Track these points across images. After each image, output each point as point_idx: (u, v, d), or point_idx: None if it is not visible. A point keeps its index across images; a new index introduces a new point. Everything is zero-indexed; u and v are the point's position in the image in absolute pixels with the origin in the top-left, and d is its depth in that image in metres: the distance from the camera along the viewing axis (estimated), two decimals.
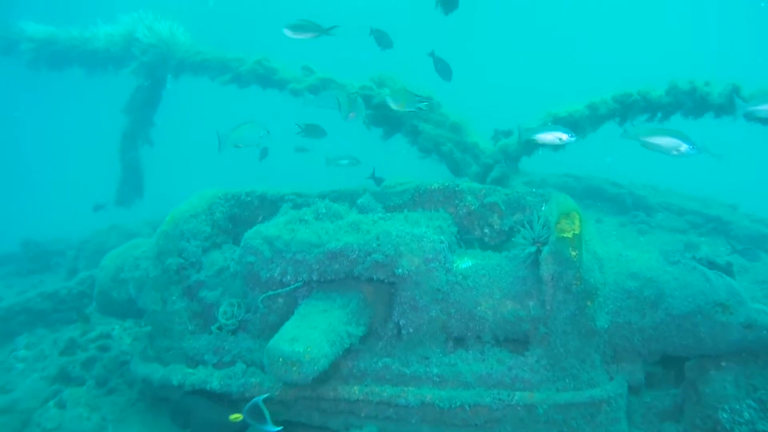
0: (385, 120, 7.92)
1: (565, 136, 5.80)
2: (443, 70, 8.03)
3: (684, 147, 5.17)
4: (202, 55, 10.56)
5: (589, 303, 3.94)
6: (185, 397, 4.61)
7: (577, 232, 3.90)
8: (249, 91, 10.90)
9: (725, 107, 6.42)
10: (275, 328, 4.15)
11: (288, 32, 6.51)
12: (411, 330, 4.26)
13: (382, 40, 8.03)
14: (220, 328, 4.76)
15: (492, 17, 47.61)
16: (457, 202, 4.89)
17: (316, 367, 3.64)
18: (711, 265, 4.37)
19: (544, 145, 6.24)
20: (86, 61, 11.60)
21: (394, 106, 5.91)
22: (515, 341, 4.34)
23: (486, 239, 4.92)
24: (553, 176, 10.85)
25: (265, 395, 4.14)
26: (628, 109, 6.54)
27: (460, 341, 4.44)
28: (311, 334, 3.80)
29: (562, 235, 3.91)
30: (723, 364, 4.25)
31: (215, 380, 4.53)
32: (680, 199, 10.28)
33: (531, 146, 7.01)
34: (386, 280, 4.20)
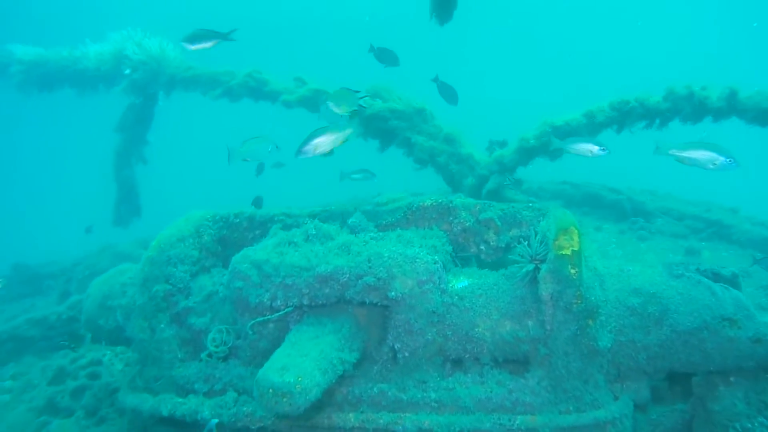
0: (378, 132, 7.82)
1: (596, 148, 5.68)
2: (448, 94, 7.92)
3: (720, 160, 5.02)
4: (193, 70, 10.54)
5: (590, 322, 3.78)
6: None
7: (576, 248, 3.75)
8: (242, 108, 10.81)
9: (724, 111, 6.33)
10: (266, 354, 4.01)
11: (186, 45, 6.36)
12: (407, 354, 4.10)
13: (386, 57, 7.92)
14: (209, 356, 4.60)
15: (487, 24, 47.66)
16: (451, 218, 4.73)
17: (307, 398, 3.48)
18: (716, 276, 4.23)
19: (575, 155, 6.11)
20: (77, 81, 11.55)
21: (335, 110, 5.63)
22: (515, 362, 4.18)
23: (482, 256, 4.76)
24: (551, 184, 10.75)
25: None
26: (626, 116, 6.45)
27: (458, 363, 4.29)
28: (302, 363, 3.64)
29: (561, 252, 3.75)
30: (732, 379, 4.11)
31: (206, 410, 4.36)
32: (679, 204, 10.17)
33: (530, 156, 6.92)
34: (379, 304, 4.05)
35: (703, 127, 6.69)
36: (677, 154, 5.22)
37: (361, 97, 5.68)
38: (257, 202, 9.38)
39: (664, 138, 5.83)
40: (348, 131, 5.49)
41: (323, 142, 5.33)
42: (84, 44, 11.29)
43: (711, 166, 5.06)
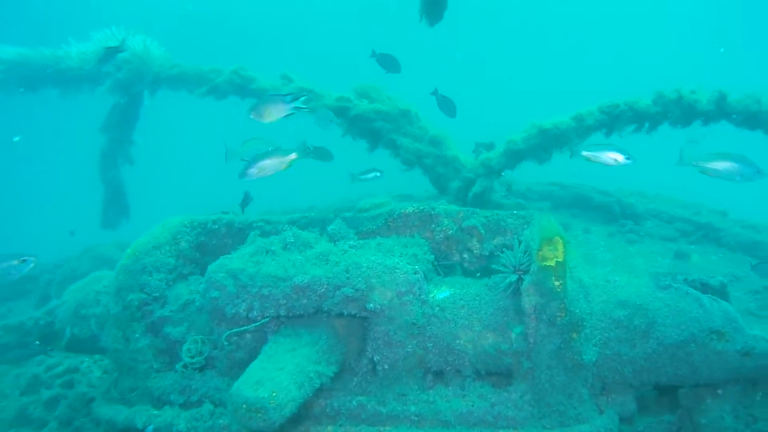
0: (365, 132, 7.70)
1: (621, 157, 5.52)
2: (447, 107, 7.81)
3: (746, 171, 4.90)
4: (179, 68, 10.39)
5: (574, 336, 3.67)
6: None
7: (560, 259, 3.63)
8: (234, 107, 10.65)
9: (713, 114, 6.26)
10: (243, 365, 3.91)
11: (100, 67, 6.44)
12: (386, 366, 3.98)
13: (388, 63, 7.80)
14: (185, 367, 4.48)
15: (479, 23, 47.59)
16: (433, 226, 4.61)
17: (282, 413, 3.38)
18: (704, 287, 4.12)
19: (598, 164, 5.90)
20: (60, 81, 11.28)
21: (260, 118, 5.50)
22: (498, 374, 4.07)
23: (465, 264, 4.65)
24: (539, 185, 10.66)
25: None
26: (616, 119, 6.37)
27: (439, 375, 4.18)
28: (277, 377, 3.53)
29: (545, 263, 3.64)
30: (720, 392, 4.01)
31: (182, 422, 4.25)
32: (669, 206, 10.10)
33: (517, 159, 6.82)
34: (358, 315, 3.93)
35: (702, 131, 6.61)
36: (701, 165, 5.10)
37: (294, 99, 5.57)
38: (246, 199, 9.24)
39: (687, 148, 5.67)
40: (293, 156, 5.42)
41: (267, 166, 5.22)
42: (67, 43, 11.06)
43: (737, 178, 4.95)
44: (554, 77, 53.15)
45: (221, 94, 9.84)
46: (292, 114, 5.62)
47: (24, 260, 5.48)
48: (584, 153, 5.79)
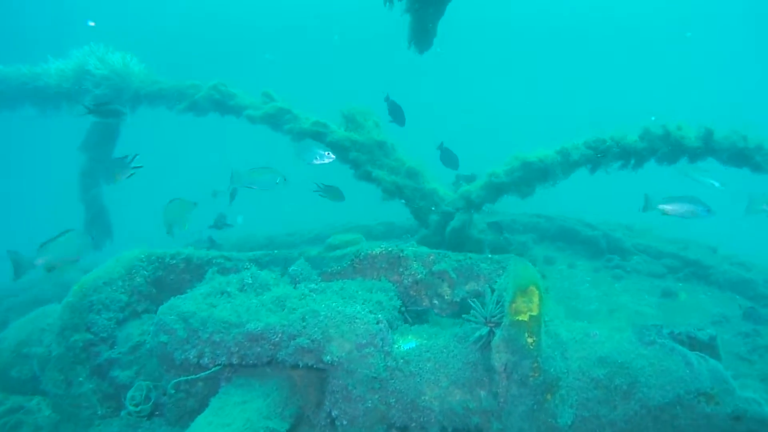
0: (345, 161, 7.43)
1: (700, 210, 5.21)
2: (450, 160, 7.62)
3: None
4: (159, 84, 10.18)
5: (548, 397, 3.35)
6: None
7: (534, 313, 3.33)
8: (228, 125, 10.39)
9: (700, 151, 6.03)
10: (193, 414, 3.65)
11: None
12: (345, 422, 3.65)
13: (395, 112, 7.63)
14: (130, 414, 4.13)
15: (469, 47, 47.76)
16: (401, 269, 4.30)
17: None
18: (692, 341, 3.81)
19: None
20: (38, 99, 11.01)
21: (113, 180, 5.82)
22: None
23: (436, 311, 4.34)
24: (524, 216, 10.42)
25: None
26: (602, 155, 6.10)
27: (404, 430, 3.84)
28: None
29: (517, 318, 3.32)
30: None
31: None
32: (657, 241, 9.86)
33: (499, 192, 6.56)
34: (315, 367, 3.60)
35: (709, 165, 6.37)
36: None
37: (131, 160, 5.94)
38: (219, 221, 8.99)
39: (755, 195, 5.28)
40: None
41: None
42: (45, 60, 10.81)
43: None
44: (549, 100, 53.40)
45: (201, 110, 9.63)
46: (133, 174, 6.01)
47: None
48: (661, 206, 5.47)
